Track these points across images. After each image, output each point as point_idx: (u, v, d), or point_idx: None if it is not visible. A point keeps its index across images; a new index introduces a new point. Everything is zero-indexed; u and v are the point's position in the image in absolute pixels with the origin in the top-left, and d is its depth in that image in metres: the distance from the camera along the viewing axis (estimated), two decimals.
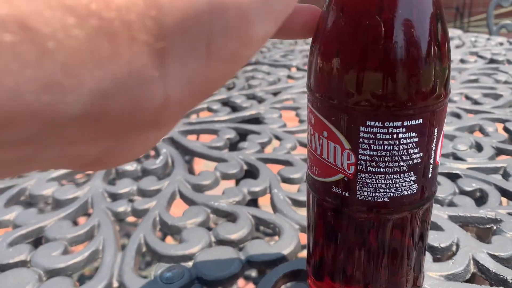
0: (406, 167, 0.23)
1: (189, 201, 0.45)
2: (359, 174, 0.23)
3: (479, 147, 0.54)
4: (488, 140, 0.55)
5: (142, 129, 0.14)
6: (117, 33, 0.11)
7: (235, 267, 0.35)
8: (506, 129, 0.59)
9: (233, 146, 0.59)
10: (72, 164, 0.15)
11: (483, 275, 0.35)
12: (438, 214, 0.41)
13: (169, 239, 0.90)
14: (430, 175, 0.24)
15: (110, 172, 0.52)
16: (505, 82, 0.76)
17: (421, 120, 0.22)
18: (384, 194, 0.23)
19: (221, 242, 0.39)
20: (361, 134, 0.22)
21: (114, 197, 0.47)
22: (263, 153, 0.55)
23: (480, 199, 0.44)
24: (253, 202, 0.95)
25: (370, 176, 0.23)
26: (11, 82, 0.10)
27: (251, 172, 0.51)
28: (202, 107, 0.72)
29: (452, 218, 0.40)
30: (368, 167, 0.23)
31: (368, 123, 0.22)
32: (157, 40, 0.12)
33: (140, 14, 0.11)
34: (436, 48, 0.21)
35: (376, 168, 0.23)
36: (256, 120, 0.67)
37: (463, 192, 0.45)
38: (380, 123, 0.22)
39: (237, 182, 0.51)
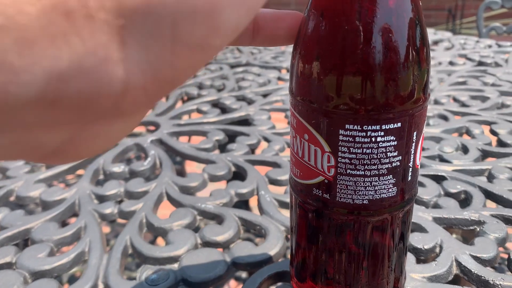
0: (385, 170, 0.23)
1: (176, 203, 0.45)
2: (338, 177, 0.23)
3: (465, 149, 0.54)
4: (474, 142, 0.56)
5: (102, 115, 0.13)
6: (73, 10, 0.11)
7: (220, 268, 0.36)
8: (492, 132, 0.59)
9: (222, 147, 0.59)
10: (30, 154, 0.14)
11: (465, 276, 0.35)
12: (423, 216, 0.41)
13: (160, 240, 0.90)
14: (409, 178, 0.25)
15: (98, 173, 0.52)
16: (493, 85, 0.77)
17: (399, 124, 0.22)
18: (364, 197, 0.24)
19: (207, 244, 0.39)
20: (341, 137, 0.23)
21: (101, 198, 0.47)
22: (252, 154, 0.55)
23: (465, 201, 0.45)
24: (244, 204, 0.95)
25: (349, 178, 0.23)
26: None
27: (239, 174, 0.52)
28: (192, 108, 0.72)
29: (437, 220, 0.41)
30: (348, 170, 0.23)
31: (347, 126, 0.22)
32: (116, 19, 0.11)
33: None
34: (414, 52, 0.22)
35: (355, 171, 0.23)
36: (245, 121, 0.67)
37: (448, 194, 0.45)
38: (358, 126, 0.22)
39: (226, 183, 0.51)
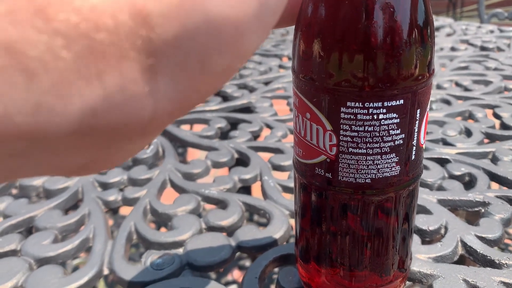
0: (388, 148, 0.23)
1: (180, 189, 0.45)
2: (340, 155, 0.23)
3: (468, 133, 0.54)
4: (477, 125, 0.55)
5: (128, 140, 0.14)
6: (106, 52, 0.11)
7: (225, 252, 0.35)
8: (495, 115, 0.59)
9: (224, 135, 0.59)
10: (58, 171, 0.15)
11: (470, 256, 0.35)
12: (427, 198, 0.41)
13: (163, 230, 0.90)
14: (413, 156, 0.24)
15: None
16: (495, 69, 0.77)
17: (402, 101, 0.22)
18: (367, 176, 0.24)
19: (211, 228, 0.39)
20: (342, 115, 0.22)
21: (105, 186, 0.47)
22: (254, 141, 0.55)
23: (469, 183, 0.45)
24: (246, 191, 0.95)
25: (351, 157, 0.23)
26: (2, 104, 0.10)
27: (242, 160, 0.51)
28: None
29: (441, 202, 0.41)
30: (350, 148, 0.23)
31: (348, 104, 0.22)
32: (147, 57, 0.12)
33: (129, 33, 0.11)
34: (417, 29, 0.21)
35: (358, 149, 0.23)
36: (247, 109, 0.67)
37: (452, 177, 0.45)
38: (360, 103, 0.22)
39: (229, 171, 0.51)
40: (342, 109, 0.22)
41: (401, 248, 0.28)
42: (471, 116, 0.59)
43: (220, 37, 0.13)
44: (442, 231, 0.37)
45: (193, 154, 0.57)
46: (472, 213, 0.42)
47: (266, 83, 0.76)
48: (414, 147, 0.24)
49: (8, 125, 0.10)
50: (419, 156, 0.25)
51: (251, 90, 0.73)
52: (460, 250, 0.35)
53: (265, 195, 0.43)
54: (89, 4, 0.11)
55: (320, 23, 0.22)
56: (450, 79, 0.73)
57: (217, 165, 0.50)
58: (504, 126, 0.56)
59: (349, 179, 0.24)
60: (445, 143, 0.52)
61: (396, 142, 0.23)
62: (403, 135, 0.23)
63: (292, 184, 0.44)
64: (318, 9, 0.22)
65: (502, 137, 0.53)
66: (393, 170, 0.24)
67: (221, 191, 0.44)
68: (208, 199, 0.43)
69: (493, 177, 0.45)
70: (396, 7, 0.21)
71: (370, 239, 0.26)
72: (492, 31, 1.01)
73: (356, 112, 0.22)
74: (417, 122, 0.23)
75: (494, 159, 0.48)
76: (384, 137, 0.23)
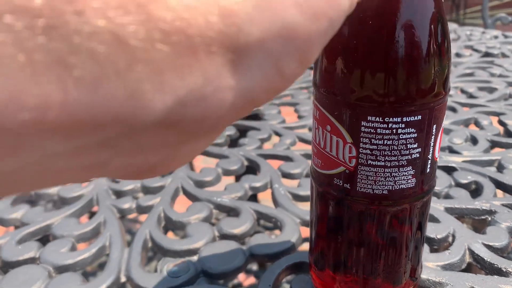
0: (405, 161, 0.24)
1: (192, 197, 0.46)
2: (359, 167, 0.24)
3: (474, 141, 0.55)
4: (483, 133, 0.56)
5: (201, 135, 0.15)
6: (197, 47, 0.12)
7: (239, 260, 0.37)
8: (500, 122, 0.60)
9: (233, 142, 0.60)
10: (128, 173, 0.16)
11: (478, 264, 0.36)
12: (435, 206, 0.42)
13: (170, 234, 0.91)
14: (428, 170, 0.26)
15: None
16: (500, 76, 0.77)
17: (420, 117, 0.23)
18: (384, 187, 0.25)
19: (224, 236, 0.40)
20: (362, 129, 0.23)
21: (119, 194, 0.48)
22: (263, 149, 0.56)
23: (475, 191, 0.46)
24: (253, 198, 0.96)
25: (370, 169, 0.24)
26: (104, 88, 0.11)
27: (251, 168, 0.53)
28: None
29: (448, 210, 0.42)
30: (368, 161, 0.24)
31: (369, 118, 0.23)
32: (233, 54, 0.13)
33: (219, 32, 0.13)
34: (435, 47, 0.23)
35: (376, 162, 0.24)
36: (256, 116, 0.68)
37: (458, 185, 0.46)
38: (380, 118, 0.23)
39: (238, 178, 0.52)
40: (363, 123, 0.23)
41: (413, 257, 0.29)
42: (476, 124, 0.60)
43: (293, 45, 0.14)
44: (450, 239, 0.38)
45: (204, 160, 0.58)
46: (478, 221, 0.43)
47: None
48: (429, 160, 0.25)
49: (106, 109, 0.11)
50: (433, 169, 0.26)
51: None
52: (468, 258, 0.36)
53: (276, 203, 0.44)
54: (183, 4, 0.12)
55: (343, 42, 0.23)
56: (455, 86, 0.74)
57: (227, 172, 0.51)
58: (509, 133, 0.57)
59: (366, 190, 0.25)
60: (452, 151, 0.53)
61: (413, 156, 0.24)
62: (420, 149, 0.24)
63: (302, 193, 0.45)
64: (342, 28, 0.23)
65: (507, 145, 0.54)
66: (409, 182, 0.25)
67: (232, 199, 0.45)
68: (220, 207, 0.44)
69: (499, 185, 0.46)
70: (416, 27, 0.22)
71: (385, 248, 0.27)
72: (496, 37, 1.02)
73: (376, 126, 0.23)
74: (433, 136, 0.25)
75: (500, 167, 0.49)
76: (402, 151, 0.24)
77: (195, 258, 0.38)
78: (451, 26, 1.13)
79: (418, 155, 0.24)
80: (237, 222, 0.41)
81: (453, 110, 0.64)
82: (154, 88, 0.12)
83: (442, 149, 0.53)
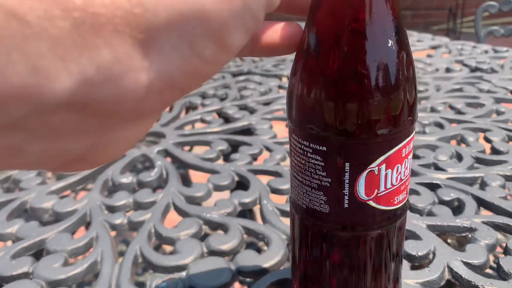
0: (316, 185, 0.25)
1: (183, 213, 0.48)
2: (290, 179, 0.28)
3: (459, 157, 0.56)
4: (468, 150, 0.58)
5: (123, 120, 0.15)
6: (101, 25, 0.13)
7: (226, 276, 0.38)
8: (486, 139, 0.61)
9: (225, 157, 0.61)
10: (55, 161, 0.16)
11: (456, 281, 0.37)
12: (417, 223, 0.43)
13: (165, 245, 0.92)
14: (346, 205, 0.25)
15: (107, 184, 0.55)
16: (488, 91, 0.79)
17: (324, 148, 0.24)
18: (303, 201, 0.27)
19: (212, 252, 0.41)
20: (291, 145, 0.26)
21: (111, 209, 0.49)
22: (254, 164, 0.57)
23: (458, 208, 0.47)
24: (248, 211, 0.98)
25: (295, 183, 0.27)
26: (1, 63, 0.11)
27: (242, 183, 0.54)
28: (196, 118, 0.74)
29: (430, 227, 0.43)
30: (293, 174, 0.27)
31: (292, 136, 0.26)
32: (140, 33, 0.13)
33: (124, 12, 0.13)
34: (337, 89, 0.23)
35: (298, 177, 0.26)
36: (248, 130, 0.69)
37: (442, 202, 0.47)
38: (299, 138, 0.25)
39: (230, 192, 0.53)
40: (291, 140, 0.26)
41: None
42: (462, 140, 0.62)
43: (208, 26, 0.15)
44: (430, 256, 0.40)
45: (195, 173, 0.59)
46: (462, 237, 0.44)
47: (266, 104, 0.79)
48: (346, 197, 0.25)
49: (6, 85, 0.11)
50: (355, 208, 0.25)
51: (252, 111, 0.76)
52: (447, 275, 0.38)
53: (264, 219, 0.46)
54: None
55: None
56: (444, 101, 0.75)
57: (218, 188, 0.53)
58: (494, 150, 0.58)
59: (300, 203, 0.27)
60: (437, 167, 0.54)
61: (323, 183, 0.25)
62: (330, 180, 0.25)
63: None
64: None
65: (491, 162, 0.55)
66: (322, 207, 0.26)
67: (222, 215, 0.46)
68: (209, 223, 0.46)
69: (481, 202, 0.47)
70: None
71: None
72: (486, 51, 1.04)
73: (298, 146, 0.25)
74: (347, 174, 0.24)
75: (483, 185, 0.50)
76: (312, 174, 0.25)
77: (183, 274, 0.39)
78: (443, 40, 1.15)
79: (328, 184, 0.25)
80: (225, 238, 0.42)
81: (440, 126, 0.66)
82: (57, 65, 0.12)
83: (427, 166, 0.55)
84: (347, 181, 0.24)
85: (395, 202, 0.26)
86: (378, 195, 0.25)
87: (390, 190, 0.25)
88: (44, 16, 0.12)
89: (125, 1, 0.13)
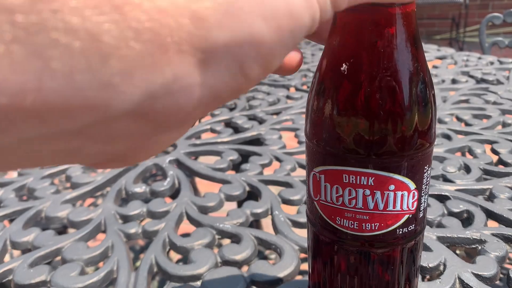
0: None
1: (196, 223, 0.49)
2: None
3: (467, 169, 0.57)
4: (476, 162, 0.58)
5: (171, 127, 0.17)
6: (167, 46, 0.14)
7: (240, 286, 0.38)
8: (493, 151, 0.62)
9: (235, 167, 0.62)
10: (99, 159, 0.17)
11: None
12: (427, 235, 0.44)
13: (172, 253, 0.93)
14: (308, 198, 0.29)
15: (121, 193, 0.55)
16: (494, 103, 0.80)
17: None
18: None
19: (226, 262, 0.42)
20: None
21: (126, 218, 0.50)
22: (264, 174, 0.58)
23: (467, 220, 0.48)
24: (255, 222, 0.99)
25: None
26: (77, 80, 0.13)
27: (253, 193, 0.55)
28: (206, 128, 0.75)
29: (440, 239, 0.44)
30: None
31: None
32: (201, 54, 0.15)
33: (189, 32, 0.14)
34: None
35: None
36: (257, 140, 0.70)
37: (451, 214, 0.48)
38: None
39: (240, 203, 0.54)
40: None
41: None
42: (470, 152, 0.63)
43: (258, 52, 0.16)
44: (441, 268, 0.40)
45: (204, 183, 0.60)
46: (471, 248, 0.45)
47: (275, 114, 0.80)
48: (307, 191, 0.29)
49: (81, 98, 0.13)
50: (312, 204, 0.29)
51: (260, 121, 0.77)
52: (458, 287, 0.38)
53: (276, 230, 0.47)
54: (156, 7, 0.14)
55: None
56: (451, 113, 0.76)
57: (230, 198, 0.53)
58: (501, 162, 0.59)
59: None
60: (445, 179, 0.55)
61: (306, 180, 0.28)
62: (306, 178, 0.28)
63: (301, 219, 0.47)
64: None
65: (499, 174, 0.56)
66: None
67: (234, 225, 0.47)
68: (222, 233, 0.46)
69: (490, 214, 0.48)
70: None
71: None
72: (492, 63, 1.05)
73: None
74: (306, 170, 0.29)
75: (491, 196, 0.51)
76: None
77: (198, 283, 0.40)
78: (448, 51, 1.16)
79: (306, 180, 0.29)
80: (239, 249, 0.43)
81: (448, 137, 0.66)
82: (125, 81, 0.13)
83: (436, 177, 0.55)
84: (306, 176, 0.28)
85: (338, 222, 0.27)
86: (321, 201, 0.27)
87: (333, 205, 0.27)
88: (118, 36, 0.13)
89: (189, 22, 0.14)
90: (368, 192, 0.25)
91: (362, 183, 0.25)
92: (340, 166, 0.25)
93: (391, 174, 0.25)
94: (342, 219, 0.27)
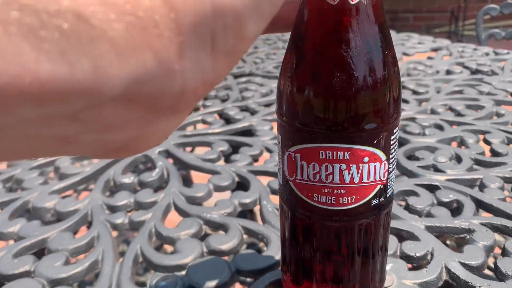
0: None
1: (183, 213, 0.48)
2: None
3: (458, 159, 0.57)
4: (468, 152, 0.58)
5: (163, 115, 0.17)
6: (147, 28, 0.14)
7: (225, 275, 0.38)
8: (485, 141, 0.62)
9: (226, 158, 0.62)
10: (102, 149, 0.17)
11: (454, 282, 0.37)
12: (416, 224, 0.44)
13: (166, 246, 0.93)
14: (281, 181, 0.29)
15: (108, 184, 0.55)
16: (488, 93, 0.79)
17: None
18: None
19: (212, 252, 0.42)
20: None
21: (113, 209, 0.49)
22: (254, 165, 0.58)
23: (456, 209, 0.47)
24: (249, 211, 0.98)
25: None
26: (69, 62, 0.13)
27: (242, 184, 0.54)
28: (197, 119, 0.74)
29: (429, 229, 0.43)
30: None
31: None
32: (177, 37, 0.15)
33: (163, 15, 0.14)
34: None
35: None
36: (249, 131, 0.70)
37: (440, 203, 0.48)
38: None
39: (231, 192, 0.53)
40: None
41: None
42: (462, 142, 0.62)
43: (224, 21, 0.16)
44: (429, 257, 0.40)
45: (196, 175, 0.60)
46: (460, 238, 0.44)
47: (267, 105, 0.79)
48: (281, 172, 0.29)
49: (72, 81, 0.13)
50: (286, 186, 0.29)
51: (253, 112, 0.76)
52: (445, 276, 0.38)
53: (263, 219, 0.46)
54: None
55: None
56: (444, 103, 0.76)
57: (219, 188, 0.53)
58: (493, 152, 0.59)
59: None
60: (436, 169, 0.54)
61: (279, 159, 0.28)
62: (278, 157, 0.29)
63: None
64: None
65: (490, 164, 0.55)
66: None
67: (222, 215, 0.47)
68: (209, 223, 0.46)
69: (480, 204, 0.47)
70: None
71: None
72: (487, 54, 1.04)
73: None
74: (280, 151, 0.28)
75: (482, 186, 0.51)
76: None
77: (183, 273, 0.39)
78: (444, 42, 1.15)
79: (279, 159, 0.30)
80: (225, 238, 0.43)
81: (440, 128, 0.66)
82: (113, 65, 0.14)
83: (427, 167, 0.55)
84: (280, 158, 0.28)
85: (315, 199, 0.28)
86: (297, 180, 0.28)
87: (309, 183, 0.27)
88: (103, 19, 0.13)
89: (161, 5, 0.14)
90: (344, 166, 0.26)
91: (338, 158, 0.26)
92: (317, 144, 0.26)
93: (365, 147, 0.26)
94: (319, 196, 0.27)
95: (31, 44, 0.12)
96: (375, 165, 0.26)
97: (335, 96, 0.25)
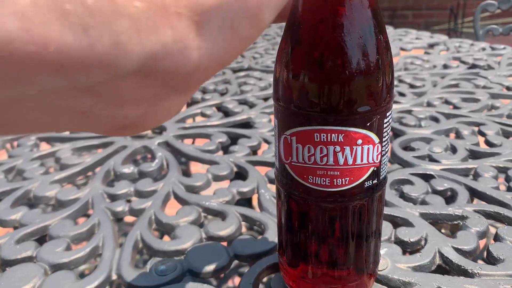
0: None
1: (182, 201, 0.49)
2: None
3: (453, 150, 0.58)
4: (463, 142, 0.59)
5: (175, 92, 0.17)
6: (167, 7, 0.15)
7: (223, 260, 0.39)
8: (480, 132, 0.63)
9: (225, 149, 0.62)
10: (113, 125, 0.18)
11: (447, 266, 0.38)
12: (410, 211, 0.44)
13: (166, 238, 0.93)
14: (278, 165, 0.30)
15: (109, 174, 0.56)
16: (484, 87, 0.80)
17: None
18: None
19: (211, 238, 0.42)
20: None
21: (113, 197, 0.50)
22: (253, 156, 0.59)
23: (451, 198, 0.48)
24: (247, 203, 0.99)
25: None
26: (91, 35, 0.13)
27: (241, 174, 0.55)
28: (196, 112, 0.75)
29: (423, 215, 0.44)
30: None
31: None
32: (196, 15, 0.16)
33: None
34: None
35: None
36: (247, 124, 0.70)
37: (435, 192, 0.49)
38: None
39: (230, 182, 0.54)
40: None
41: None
42: (457, 134, 0.63)
43: (245, 7, 0.17)
44: (422, 242, 0.41)
45: (196, 162, 0.60)
46: (454, 225, 0.45)
47: (265, 99, 0.80)
48: (277, 156, 0.30)
49: (93, 54, 0.14)
50: (284, 170, 0.30)
51: (251, 105, 0.77)
52: (438, 260, 0.39)
53: (261, 207, 0.47)
54: None
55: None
56: (440, 96, 0.76)
57: (217, 178, 0.54)
58: (488, 143, 0.59)
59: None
60: (431, 159, 0.55)
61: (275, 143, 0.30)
62: (275, 141, 0.28)
63: None
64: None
65: (485, 154, 0.56)
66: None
67: (220, 203, 0.48)
68: (208, 211, 0.47)
69: (473, 192, 0.48)
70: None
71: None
72: (484, 49, 1.05)
73: None
74: (276, 134, 0.29)
75: (476, 175, 0.51)
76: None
77: (182, 258, 0.40)
78: (441, 38, 1.16)
79: (275, 143, 0.30)
80: (223, 225, 0.44)
81: (436, 120, 0.67)
82: (133, 40, 0.14)
83: (422, 157, 0.56)
84: (276, 142, 0.29)
85: (310, 181, 0.28)
86: (292, 163, 0.28)
87: (304, 165, 0.28)
88: None
89: None
90: (338, 148, 0.27)
91: (332, 140, 0.27)
92: (312, 126, 0.27)
93: (359, 130, 0.27)
94: (314, 177, 0.28)
95: (56, 16, 0.13)
96: (368, 148, 0.27)
97: (329, 79, 0.25)
